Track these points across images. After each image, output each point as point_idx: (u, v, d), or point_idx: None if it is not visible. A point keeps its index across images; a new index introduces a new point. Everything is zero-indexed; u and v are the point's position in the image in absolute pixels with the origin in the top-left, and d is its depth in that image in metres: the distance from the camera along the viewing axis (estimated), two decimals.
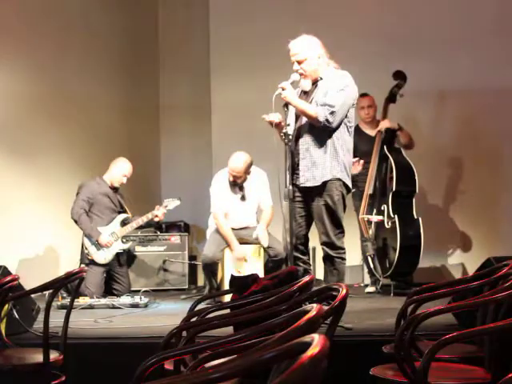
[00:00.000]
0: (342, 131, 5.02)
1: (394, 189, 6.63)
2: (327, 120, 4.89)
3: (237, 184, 6.54)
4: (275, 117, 4.96)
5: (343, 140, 5.03)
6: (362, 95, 6.69)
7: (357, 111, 6.63)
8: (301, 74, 5.00)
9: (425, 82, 7.38)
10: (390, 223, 6.64)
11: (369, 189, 6.74)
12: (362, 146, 6.62)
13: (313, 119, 4.93)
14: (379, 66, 7.26)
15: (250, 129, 6.71)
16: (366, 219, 6.75)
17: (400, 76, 6.83)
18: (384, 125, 6.72)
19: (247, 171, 6.49)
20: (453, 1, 7.74)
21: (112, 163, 7.03)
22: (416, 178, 6.69)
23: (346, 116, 5.01)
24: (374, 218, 6.70)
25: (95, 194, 6.91)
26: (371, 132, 6.90)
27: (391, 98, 6.81)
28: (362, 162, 6.52)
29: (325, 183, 4.98)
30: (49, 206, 7.40)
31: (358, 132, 6.65)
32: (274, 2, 8.15)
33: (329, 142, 4.98)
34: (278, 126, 4.97)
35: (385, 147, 6.74)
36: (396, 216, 6.60)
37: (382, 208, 6.72)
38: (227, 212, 6.58)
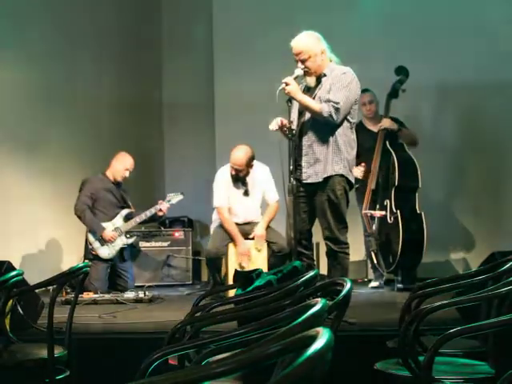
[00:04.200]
0: (344, 128, 5.02)
1: (396, 184, 6.64)
2: (331, 116, 4.89)
3: (239, 179, 6.54)
4: (276, 123, 4.97)
5: (346, 136, 5.03)
6: (363, 91, 6.67)
7: (359, 107, 6.64)
8: (305, 72, 5.00)
9: (427, 77, 7.37)
10: (392, 218, 6.64)
11: (372, 184, 6.74)
12: (365, 142, 6.61)
13: (316, 114, 4.93)
14: (381, 61, 7.25)
15: (253, 124, 6.70)
16: (369, 214, 6.75)
17: (402, 71, 6.84)
18: (384, 124, 6.73)
19: (249, 164, 6.47)
20: None
21: (113, 158, 7.04)
22: (419, 173, 6.69)
23: (348, 113, 5.01)
24: (377, 213, 6.71)
25: (98, 189, 6.92)
26: (374, 128, 6.90)
27: (393, 94, 6.81)
28: (363, 165, 6.58)
29: (327, 179, 4.99)
30: (52, 201, 7.41)
31: (361, 128, 6.66)
32: None
33: (331, 138, 4.99)
34: (282, 129, 5.00)
35: (387, 142, 6.74)
36: (399, 211, 6.60)
37: (385, 203, 6.72)
38: (230, 207, 6.58)
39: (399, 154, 6.71)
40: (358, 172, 6.62)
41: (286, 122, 4.97)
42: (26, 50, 7.22)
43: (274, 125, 5.00)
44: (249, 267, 6.10)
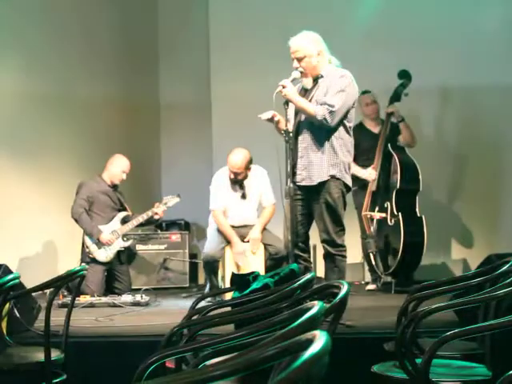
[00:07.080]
0: (341, 131, 5.01)
1: (398, 186, 6.64)
2: (325, 119, 4.88)
3: (237, 182, 6.53)
4: (268, 114, 4.97)
5: (342, 140, 5.02)
6: (364, 92, 6.67)
7: (361, 108, 6.65)
8: (301, 72, 4.99)
9: (428, 80, 7.36)
10: (393, 221, 6.64)
11: (372, 186, 6.73)
12: (364, 143, 6.62)
13: (312, 117, 4.93)
14: (383, 64, 7.24)
15: (250, 127, 6.69)
16: (368, 216, 6.75)
17: (405, 75, 6.84)
18: (392, 108, 6.71)
19: (248, 167, 6.47)
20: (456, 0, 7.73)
21: (109, 161, 7.02)
22: (420, 176, 6.69)
23: (345, 116, 5.00)
24: (377, 214, 6.70)
25: (95, 192, 6.91)
26: (374, 129, 6.91)
27: (396, 97, 6.81)
28: (373, 167, 6.59)
29: (324, 182, 4.98)
30: (49, 204, 7.40)
31: (361, 129, 6.68)
32: None
33: (327, 141, 4.97)
34: (273, 120, 4.99)
35: (389, 145, 6.74)
36: (400, 214, 6.60)
37: (385, 205, 6.72)
38: (227, 210, 6.58)
39: (401, 157, 6.71)
40: (373, 174, 6.62)
41: (279, 117, 4.97)
42: (23, 52, 7.21)
43: (265, 114, 4.98)
44: (245, 269, 6.09)
